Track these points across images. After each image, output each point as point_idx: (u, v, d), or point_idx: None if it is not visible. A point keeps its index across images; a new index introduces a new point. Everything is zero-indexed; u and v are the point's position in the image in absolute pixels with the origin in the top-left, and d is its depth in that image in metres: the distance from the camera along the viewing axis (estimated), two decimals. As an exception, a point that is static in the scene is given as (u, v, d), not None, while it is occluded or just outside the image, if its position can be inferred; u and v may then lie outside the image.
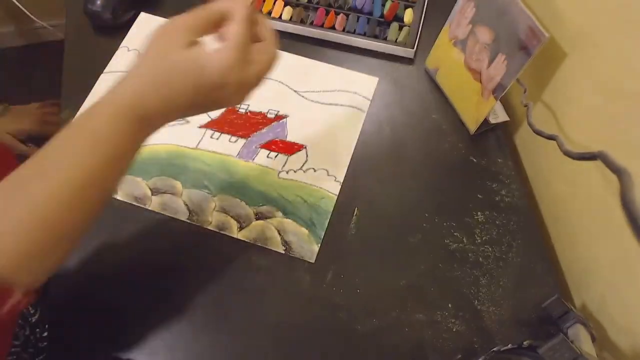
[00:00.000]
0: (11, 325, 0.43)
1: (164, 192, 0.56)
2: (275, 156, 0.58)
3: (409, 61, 0.66)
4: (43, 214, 0.33)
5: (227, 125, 0.60)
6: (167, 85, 0.35)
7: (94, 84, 0.62)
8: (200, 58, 0.35)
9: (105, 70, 0.63)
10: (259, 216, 0.55)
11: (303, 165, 0.58)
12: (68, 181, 0.33)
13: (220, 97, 0.37)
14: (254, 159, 0.58)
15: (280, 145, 0.59)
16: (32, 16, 1.18)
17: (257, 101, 0.62)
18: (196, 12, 0.36)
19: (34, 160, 0.34)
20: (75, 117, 0.33)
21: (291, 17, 0.67)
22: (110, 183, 0.37)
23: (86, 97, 0.61)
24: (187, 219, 0.54)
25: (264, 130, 0.60)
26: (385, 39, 0.65)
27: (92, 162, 0.34)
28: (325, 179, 0.57)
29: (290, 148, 0.59)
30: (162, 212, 0.55)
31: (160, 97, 0.35)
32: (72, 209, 0.34)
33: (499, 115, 0.59)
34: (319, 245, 0.53)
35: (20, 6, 1.14)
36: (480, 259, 0.54)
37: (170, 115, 0.37)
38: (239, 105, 0.62)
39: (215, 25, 0.37)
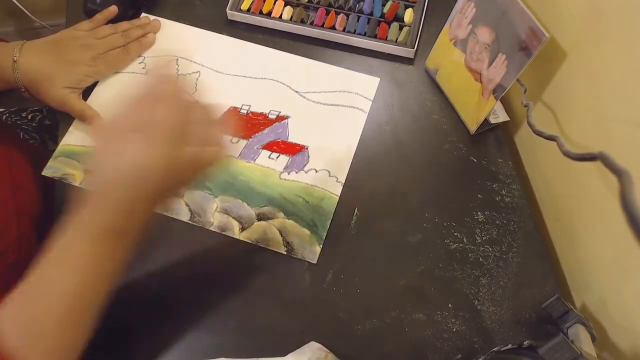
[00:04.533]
0: None
1: (166, 193, 0.56)
2: (277, 157, 0.59)
3: (409, 61, 0.66)
4: (42, 327, 0.36)
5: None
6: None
7: (94, 84, 0.62)
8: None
9: (106, 71, 0.63)
10: (261, 217, 0.55)
11: (304, 166, 0.58)
12: (60, 301, 0.37)
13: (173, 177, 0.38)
14: (255, 160, 0.58)
15: (282, 146, 0.59)
16: (31, 16, 1.18)
17: (258, 102, 0.62)
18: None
19: (28, 284, 0.37)
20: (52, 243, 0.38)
21: (291, 17, 0.67)
22: (97, 297, 0.39)
23: (86, 98, 0.61)
24: (189, 220, 0.55)
25: (265, 131, 0.60)
26: (375, 35, 0.66)
27: (76, 286, 0.37)
28: (326, 180, 0.57)
29: (292, 149, 0.59)
30: (164, 213, 0.55)
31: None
32: (70, 307, 0.37)
33: (499, 116, 0.60)
34: (321, 246, 0.53)
35: (20, 6, 1.14)
36: (481, 259, 0.54)
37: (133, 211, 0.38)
38: (240, 106, 0.62)
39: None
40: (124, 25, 0.64)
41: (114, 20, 0.65)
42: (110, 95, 0.62)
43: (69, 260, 0.37)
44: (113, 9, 0.63)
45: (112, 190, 0.37)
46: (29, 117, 0.78)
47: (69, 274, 0.37)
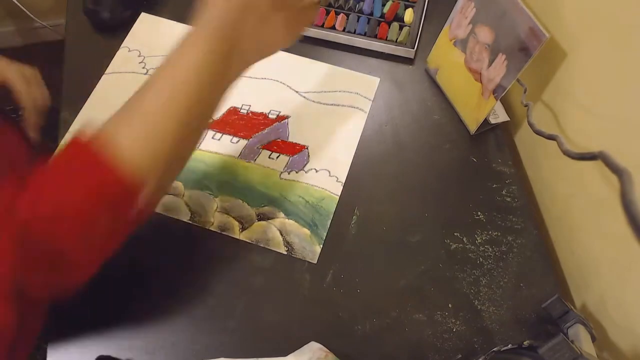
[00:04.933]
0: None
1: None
2: (277, 157, 0.59)
3: (409, 61, 0.66)
4: (157, 125, 0.37)
5: (229, 126, 0.60)
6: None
7: (95, 84, 0.62)
8: None
9: (106, 71, 0.63)
10: (261, 217, 0.55)
11: (304, 166, 0.58)
12: (176, 97, 0.38)
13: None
14: (255, 160, 0.58)
15: (282, 145, 0.59)
16: (32, 16, 1.18)
17: (258, 102, 0.62)
18: None
19: (151, 79, 0.39)
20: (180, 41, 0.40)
21: (291, 17, 0.67)
22: (207, 102, 0.41)
23: (87, 97, 0.61)
24: (189, 219, 0.54)
25: (265, 131, 0.60)
26: (375, 35, 0.66)
27: (188, 98, 0.38)
28: (326, 180, 0.57)
29: (292, 149, 0.59)
30: (164, 213, 0.55)
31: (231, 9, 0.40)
32: (181, 123, 0.38)
33: (499, 115, 0.60)
34: (321, 245, 0.53)
35: (20, 6, 1.14)
36: (481, 259, 0.54)
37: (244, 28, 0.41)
38: (240, 106, 0.62)
39: None
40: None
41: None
42: (111, 95, 0.62)
43: (184, 61, 0.39)
44: None
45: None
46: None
47: (183, 79, 0.38)
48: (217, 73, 0.40)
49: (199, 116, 0.41)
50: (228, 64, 0.41)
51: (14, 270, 0.34)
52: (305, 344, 0.48)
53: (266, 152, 0.59)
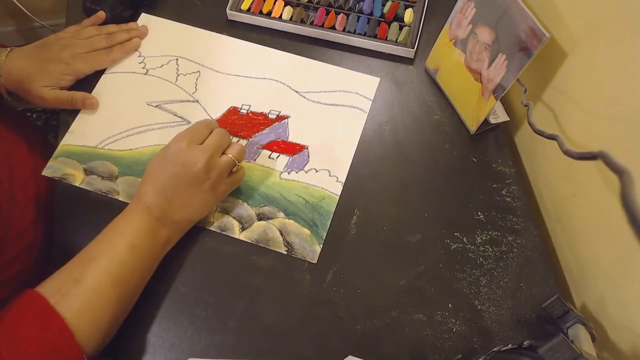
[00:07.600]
0: None
1: (165, 193, 0.56)
2: (277, 157, 0.59)
3: (409, 61, 0.66)
4: (99, 301, 0.43)
5: (229, 126, 0.60)
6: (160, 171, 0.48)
7: (94, 84, 0.62)
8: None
9: (106, 71, 0.63)
10: (261, 217, 0.55)
11: (305, 166, 0.58)
12: (115, 272, 0.44)
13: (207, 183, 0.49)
14: (255, 160, 0.58)
15: (282, 145, 0.59)
16: (31, 16, 1.18)
17: (258, 102, 0.62)
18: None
19: (92, 252, 0.45)
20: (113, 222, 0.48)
21: (291, 17, 0.67)
22: (145, 270, 0.48)
23: (87, 97, 0.61)
24: (189, 219, 0.54)
25: (265, 131, 0.60)
26: (375, 35, 0.66)
27: (125, 257, 0.45)
28: (326, 180, 0.57)
29: (292, 149, 0.59)
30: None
31: (155, 183, 0.48)
32: (121, 293, 0.44)
33: (499, 115, 0.60)
34: (321, 245, 0.53)
35: (20, 5, 1.14)
36: (481, 259, 0.54)
37: (170, 203, 0.48)
38: (240, 106, 0.62)
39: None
40: (111, 27, 0.64)
41: (113, 20, 0.65)
42: (111, 94, 0.62)
43: (120, 239, 0.45)
44: (101, 14, 0.64)
45: (158, 176, 0.48)
46: (34, 116, 0.78)
47: (120, 257, 0.45)
48: (151, 245, 0.47)
49: (137, 284, 0.47)
50: (161, 234, 0.48)
51: None
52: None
53: (266, 152, 0.59)
